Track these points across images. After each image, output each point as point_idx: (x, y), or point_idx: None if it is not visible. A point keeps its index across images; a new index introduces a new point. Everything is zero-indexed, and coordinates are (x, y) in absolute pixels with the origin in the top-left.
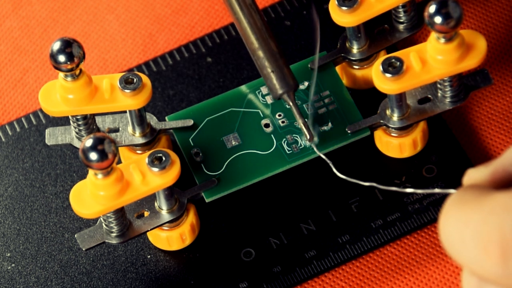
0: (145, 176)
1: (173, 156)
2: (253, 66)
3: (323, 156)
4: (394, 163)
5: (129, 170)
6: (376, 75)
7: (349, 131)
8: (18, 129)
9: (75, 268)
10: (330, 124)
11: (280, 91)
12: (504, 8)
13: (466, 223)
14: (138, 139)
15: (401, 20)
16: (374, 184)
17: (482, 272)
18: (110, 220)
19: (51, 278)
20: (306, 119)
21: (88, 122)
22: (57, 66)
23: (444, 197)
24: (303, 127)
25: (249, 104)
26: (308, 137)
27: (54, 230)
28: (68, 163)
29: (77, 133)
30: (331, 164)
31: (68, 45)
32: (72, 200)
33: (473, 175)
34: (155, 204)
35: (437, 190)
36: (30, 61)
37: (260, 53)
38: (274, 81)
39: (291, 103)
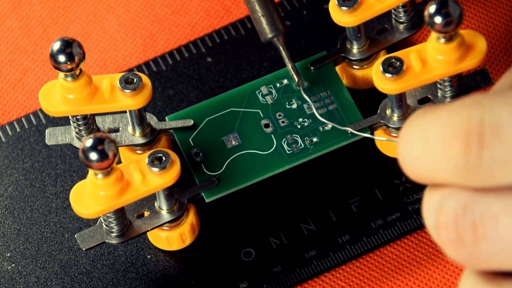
0: (145, 176)
1: (173, 156)
2: (253, 66)
3: (305, 97)
4: (394, 163)
5: (129, 170)
6: (376, 75)
7: (349, 131)
8: (18, 129)
9: (75, 268)
10: (330, 124)
11: (269, 35)
12: (504, 8)
13: (432, 122)
14: (138, 139)
15: (401, 20)
16: (349, 129)
17: (441, 171)
18: (110, 220)
19: (51, 278)
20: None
21: (88, 122)
22: (57, 66)
23: None
24: (292, 72)
25: (249, 104)
26: (296, 80)
27: (54, 230)
28: (68, 163)
29: (77, 133)
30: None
31: (68, 45)
32: (72, 200)
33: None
34: (155, 204)
35: None
36: (30, 61)
37: None
38: (264, 25)
39: (280, 47)
